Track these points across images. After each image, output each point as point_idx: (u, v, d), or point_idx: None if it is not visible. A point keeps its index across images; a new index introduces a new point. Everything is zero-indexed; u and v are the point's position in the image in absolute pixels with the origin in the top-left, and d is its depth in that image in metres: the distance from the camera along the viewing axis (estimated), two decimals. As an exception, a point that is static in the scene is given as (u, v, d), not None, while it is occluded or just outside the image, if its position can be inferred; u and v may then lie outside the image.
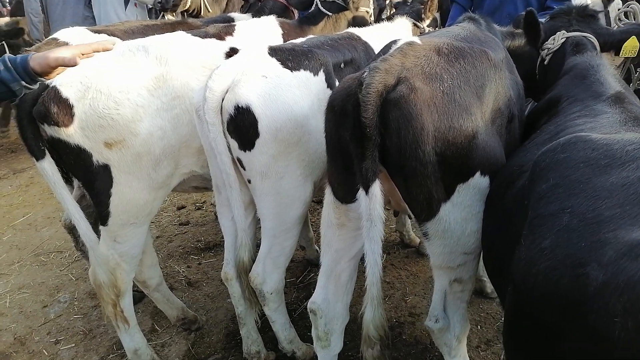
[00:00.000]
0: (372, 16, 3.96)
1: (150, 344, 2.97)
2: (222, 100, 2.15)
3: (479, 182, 1.86)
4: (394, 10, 4.15)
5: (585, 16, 2.54)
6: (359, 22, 3.71)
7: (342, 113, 1.75)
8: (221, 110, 2.15)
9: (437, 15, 6.54)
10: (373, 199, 1.72)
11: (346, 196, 1.93)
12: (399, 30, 3.33)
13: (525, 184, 1.39)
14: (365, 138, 1.65)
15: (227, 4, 4.83)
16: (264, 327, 2.88)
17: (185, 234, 4.34)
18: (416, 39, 1.91)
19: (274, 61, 2.26)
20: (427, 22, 3.71)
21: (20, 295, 3.60)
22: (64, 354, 3.03)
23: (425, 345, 2.95)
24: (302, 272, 3.69)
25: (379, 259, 1.83)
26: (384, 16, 4.22)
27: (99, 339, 3.15)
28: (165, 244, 4.20)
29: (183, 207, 4.77)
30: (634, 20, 3.30)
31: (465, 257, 1.99)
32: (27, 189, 5.28)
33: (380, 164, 1.79)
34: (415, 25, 3.67)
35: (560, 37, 2.51)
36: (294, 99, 2.19)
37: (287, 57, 2.29)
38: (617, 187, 1.07)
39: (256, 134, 2.14)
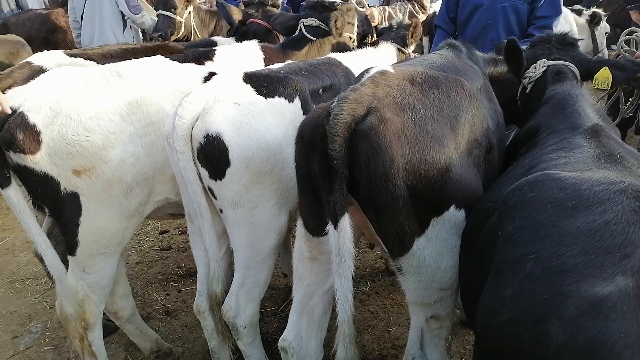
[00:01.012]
0: (355, 42, 3.94)
1: (121, 378, 2.85)
2: (193, 127, 2.08)
3: (454, 215, 1.79)
4: (380, 36, 4.14)
5: (565, 44, 2.52)
6: (343, 47, 3.68)
7: (311, 144, 1.69)
8: (191, 138, 2.09)
9: (427, 39, 6.58)
10: (342, 234, 1.65)
11: (317, 229, 1.85)
12: (382, 55, 3.30)
13: (495, 223, 1.32)
14: (333, 170, 1.58)
15: (214, 27, 4.83)
16: (241, 361, 2.77)
17: (167, 259, 4.23)
18: (389, 68, 1.86)
19: (248, 87, 2.21)
20: (412, 47, 3.69)
21: (-9, 324, 3.47)
22: (31, 389, 2.90)
23: (408, 380, 2.83)
24: (284, 301, 3.58)
25: (349, 296, 1.74)
26: (368, 42, 4.20)
27: (69, 372, 3.03)
28: (145, 270, 4.09)
29: (166, 232, 4.66)
30: (636, 48, 3.28)
31: (441, 293, 1.91)
32: (7, 212, 5.15)
33: (351, 197, 1.73)
34: (400, 51, 3.65)
35: (541, 66, 2.49)
36: (267, 126, 2.13)
37: (262, 83, 2.24)
38: (582, 232, 1.01)
39: (227, 163, 2.08)
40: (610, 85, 2.33)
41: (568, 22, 4.47)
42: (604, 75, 2.30)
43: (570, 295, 0.90)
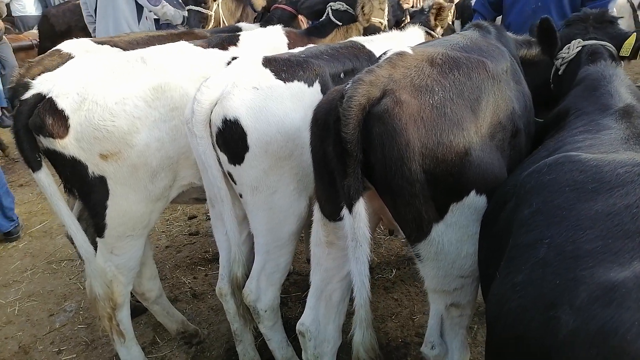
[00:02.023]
0: (387, 28, 3.85)
1: (149, 357, 2.94)
2: (211, 112, 2.09)
3: (475, 201, 1.73)
4: (411, 19, 4.04)
5: (603, 22, 2.38)
6: (372, 34, 3.60)
7: (325, 127, 1.67)
8: (210, 123, 2.10)
9: (458, 23, 6.39)
10: (357, 218, 1.62)
11: (333, 214, 1.83)
12: (408, 38, 3.21)
13: (512, 207, 1.27)
14: (347, 154, 1.56)
15: (241, 15, 4.84)
16: (264, 344, 2.80)
17: (194, 244, 4.32)
18: (408, 49, 1.80)
19: (267, 72, 2.19)
20: (440, 30, 3.58)
21: (29, 303, 3.64)
22: (65, 365, 3.04)
23: (431, 369, 2.79)
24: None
25: (366, 280, 1.72)
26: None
27: (100, 350, 3.14)
28: (174, 254, 4.19)
29: (194, 217, 4.76)
30: None
31: (461, 280, 1.86)
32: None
33: (367, 181, 1.70)
34: (428, 34, 3.55)
35: (575, 46, 2.36)
36: (285, 111, 2.11)
37: (282, 67, 2.22)
38: (601, 216, 0.95)
39: (245, 148, 2.08)
40: (630, 52, 2.20)
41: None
42: (629, 42, 2.18)
43: (583, 281, 0.85)
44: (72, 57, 2.70)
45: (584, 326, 0.79)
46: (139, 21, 4.77)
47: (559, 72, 2.43)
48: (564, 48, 2.41)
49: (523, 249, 1.01)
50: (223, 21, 4.84)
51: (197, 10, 4.64)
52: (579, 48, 2.35)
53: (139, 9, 4.82)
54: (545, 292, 0.89)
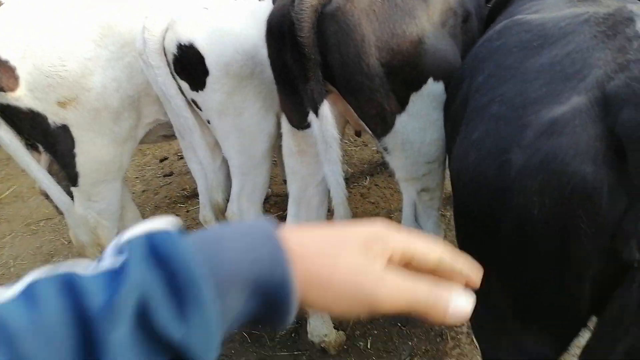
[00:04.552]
0: None
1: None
2: (164, 39, 2.05)
3: (433, 88, 1.81)
4: None
5: None
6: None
7: (280, 35, 1.67)
8: (165, 51, 2.06)
9: None
10: (324, 121, 1.69)
11: (300, 122, 1.89)
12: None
13: (468, 81, 1.35)
14: (305, 58, 1.59)
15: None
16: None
17: (170, 184, 4.35)
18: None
19: (214, -10, 2.13)
20: None
21: (17, 265, 3.68)
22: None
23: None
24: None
25: (340, 179, 1.83)
26: None
27: (99, 295, 3.24)
28: (152, 196, 4.22)
29: (166, 159, 4.74)
30: None
31: (429, 166, 1.99)
32: (8, 161, 5.20)
33: (329, 84, 1.75)
34: None
35: None
36: (240, 28, 2.09)
37: (228, -16, 2.16)
38: (545, 66, 1.03)
39: (205, 72, 2.07)
40: None
41: None
42: None
43: (530, 124, 0.95)
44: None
45: (530, 159, 0.90)
46: None
47: None
48: None
49: (478, 110, 1.10)
50: None
51: None
52: None
53: None
54: (498, 141, 0.99)
